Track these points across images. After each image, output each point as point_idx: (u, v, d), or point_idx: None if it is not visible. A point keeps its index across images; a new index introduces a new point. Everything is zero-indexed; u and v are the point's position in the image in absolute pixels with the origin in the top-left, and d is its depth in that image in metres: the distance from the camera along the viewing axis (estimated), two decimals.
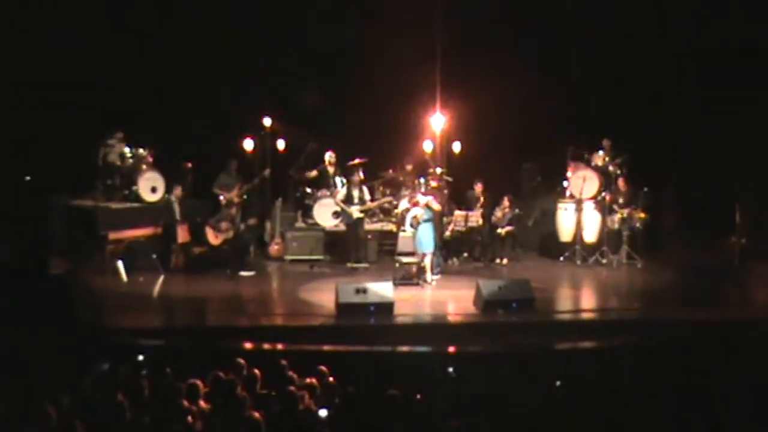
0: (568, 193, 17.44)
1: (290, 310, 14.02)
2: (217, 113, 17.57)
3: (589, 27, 17.78)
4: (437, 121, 17.43)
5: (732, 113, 17.19)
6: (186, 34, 17.37)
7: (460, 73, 17.76)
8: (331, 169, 17.57)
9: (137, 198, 16.54)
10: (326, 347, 11.28)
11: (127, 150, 16.86)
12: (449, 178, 17.15)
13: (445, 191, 16.77)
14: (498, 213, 16.97)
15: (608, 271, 16.31)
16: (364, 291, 12.94)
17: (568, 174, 17.53)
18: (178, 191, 16.27)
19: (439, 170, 17.15)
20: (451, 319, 13.54)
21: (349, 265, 16.19)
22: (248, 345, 11.28)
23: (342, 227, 16.72)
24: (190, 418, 7.34)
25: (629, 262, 16.46)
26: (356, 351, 11.18)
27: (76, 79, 16.78)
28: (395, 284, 14.04)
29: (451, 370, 9.82)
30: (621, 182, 16.89)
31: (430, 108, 17.29)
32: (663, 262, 16.60)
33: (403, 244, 15.29)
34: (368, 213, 16.88)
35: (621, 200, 16.68)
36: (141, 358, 9.80)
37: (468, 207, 16.79)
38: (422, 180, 17.48)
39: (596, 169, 17.33)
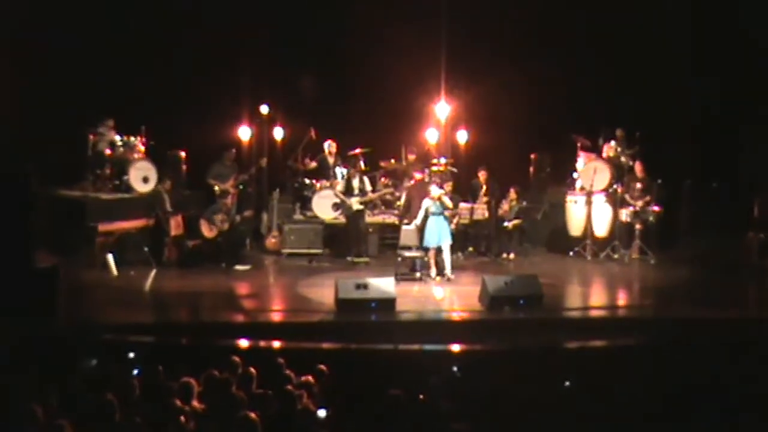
0: (578, 185, 17.42)
1: (288, 306, 14.03)
2: (212, 100, 17.56)
3: (605, 11, 17.75)
4: (442, 109, 17.44)
5: (752, 104, 17.18)
6: (180, 17, 17.36)
7: (466, 58, 17.76)
8: (330, 159, 17.57)
9: (128, 188, 16.52)
10: (325, 345, 11.27)
11: (117, 138, 16.86)
12: (454, 169, 17.15)
13: (450, 182, 16.76)
14: (505, 205, 16.95)
15: (620, 266, 16.31)
16: (365, 286, 12.94)
17: (579, 165, 17.52)
18: (167, 183, 16.26)
19: (443, 160, 17.14)
20: (455, 316, 13.53)
21: (349, 259, 16.19)
22: (244, 342, 11.27)
23: (342, 220, 16.72)
24: (182, 418, 7.34)
25: (642, 257, 16.45)
26: (356, 349, 11.17)
27: (65, 65, 16.77)
28: (397, 279, 14.04)
29: (455, 369, 9.82)
30: (638, 168, 16.82)
31: (435, 95, 17.29)
32: (677, 258, 16.59)
33: (405, 238, 15.29)
34: (369, 204, 16.87)
35: (638, 186, 16.59)
36: (132, 355, 9.81)
37: (473, 197, 16.76)
38: (426, 171, 17.49)
39: (608, 160, 17.32)
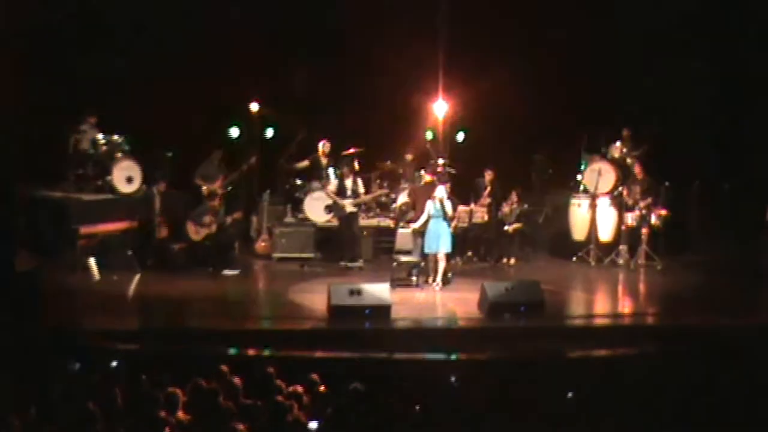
0: (581, 188, 17.44)
1: (278, 312, 14.03)
2: (201, 97, 17.54)
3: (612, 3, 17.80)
4: (440, 108, 17.43)
5: (765, 102, 17.21)
6: (168, 10, 17.35)
7: (465, 55, 17.74)
8: (323, 159, 17.54)
9: (111, 189, 16.50)
10: (317, 353, 11.28)
11: (100, 136, 16.83)
12: (452, 170, 17.14)
13: (448, 185, 16.75)
14: (505, 208, 16.95)
15: (625, 272, 16.31)
16: (359, 292, 12.93)
17: (582, 166, 17.54)
18: (162, 185, 16.22)
19: (441, 161, 17.14)
20: (453, 324, 13.53)
21: (342, 264, 16.17)
22: (232, 351, 11.27)
23: (335, 223, 16.71)
24: (167, 430, 7.34)
25: (648, 263, 16.45)
26: (350, 358, 11.18)
27: (46, 59, 16.73)
28: (393, 285, 14.04)
29: (453, 379, 9.83)
30: (638, 169, 16.86)
31: (432, 93, 17.28)
32: (686, 264, 16.61)
33: (401, 242, 15.29)
34: (363, 207, 16.86)
35: (638, 190, 16.60)
36: (115, 364, 9.80)
37: (475, 197, 16.74)
38: (422, 172, 17.49)
39: (613, 161, 17.34)
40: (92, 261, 15.01)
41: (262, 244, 17.14)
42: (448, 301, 14.29)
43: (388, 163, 18.20)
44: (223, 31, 17.66)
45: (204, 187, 16.62)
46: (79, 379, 8.97)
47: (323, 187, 16.91)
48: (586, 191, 17.26)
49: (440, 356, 11.50)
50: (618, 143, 17.55)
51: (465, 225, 16.54)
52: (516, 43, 17.80)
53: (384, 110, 18.20)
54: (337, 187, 16.47)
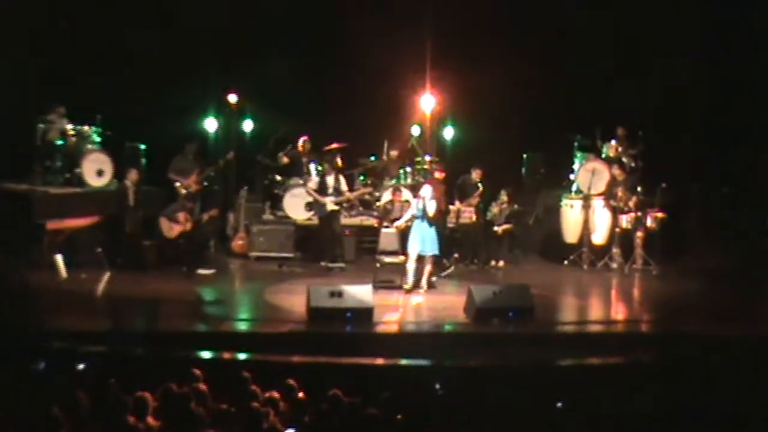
0: (574, 188, 17.47)
1: (255, 314, 14.02)
2: (175, 87, 17.50)
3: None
4: (427, 102, 17.44)
5: (766, 101, 17.30)
6: None
7: (454, 47, 17.78)
8: (304, 155, 17.54)
9: (81, 182, 16.46)
10: (295, 358, 11.26)
11: (69, 127, 16.77)
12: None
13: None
14: (495, 209, 16.98)
15: (619, 277, 16.37)
16: (340, 294, 12.92)
17: (576, 166, 17.57)
18: (133, 175, 16.15)
19: (428, 158, 17.17)
20: (438, 328, 13.54)
21: (323, 264, 16.17)
22: (206, 354, 11.25)
23: (316, 221, 16.70)
24: None
25: (643, 267, 16.51)
26: (329, 363, 11.16)
27: (13, 46, 16.66)
28: (375, 287, 14.04)
29: (438, 386, 9.82)
30: (617, 171, 16.87)
31: (419, 87, 17.28)
32: (683, 269, 16.67)
33: (385, 242, 15.28)
34: (344, 205, 16.85)
35: (622, 191, 16.62)
36: (82, 366, 9.76)
37: (461, 195, 16.73)
38: (408, 169, 17.50)
39: (608, 160, 17.37)
40: (59, 258, 14.95)
41: (239, 242, 17.12)
42: (433, 305, 14.29)
43: (372, 159, 18.19)
44: (200, 16, 17.63)
45: (178, 183, 16.57)
46: (44, 382, 8.92)
47: (304, 184, 16.89)
48: (579, 192, 17.30)
49: (424, 363, 11.49)
50: (613, 141, 17.58)
51: (452, 225, 16.56)
52: (506, 38, 17.82)
53: (368, 104, 18.20)
54: (318, 184, 16.45)
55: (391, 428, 7.91)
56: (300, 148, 17.56)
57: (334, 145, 17.29)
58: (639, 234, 16.56)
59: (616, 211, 16.73)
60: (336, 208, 16.34)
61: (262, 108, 18.48)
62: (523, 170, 19.02)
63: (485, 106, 18.00)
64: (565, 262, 16.95)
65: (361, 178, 18.18)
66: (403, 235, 14.96)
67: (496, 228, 16.93)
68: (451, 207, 16.44)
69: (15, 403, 7.88)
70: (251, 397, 8.24)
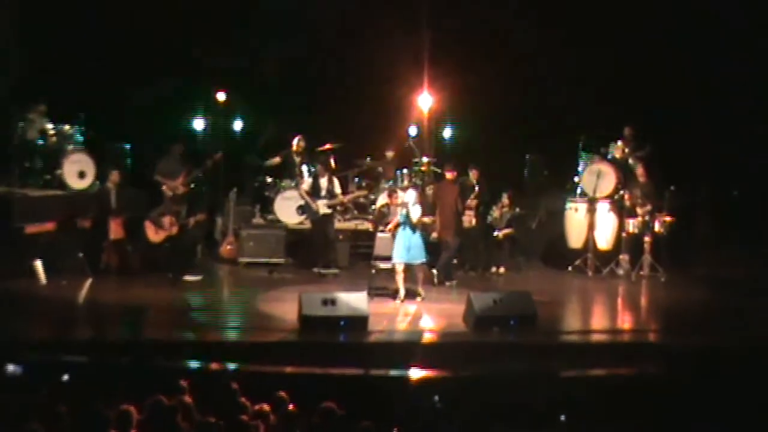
0: (579, 191, 17.49)
1: (244, 323, 14.01)
2: (162, 85, 17.51)
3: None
4: (424, 101, 17.44)
5: None
6: None
7: (453, 44, 17.79)
8: (297, 156, 17.55)
9: (61, 184, 16.46)
10: (286, 369, 11.28)
11: (50, 126, 16.78)
12: (438, 170, 17.16)
13: (433, 186, 16.79)
14: (495, 212, 16.98)
15: (625, 284, 16.37)
16: (333, 302, 12.93)
17: (580, 168, 17.60)
18: (115, 176, 16.15)
19: (425, 160, 17.17)
20: (436, 337, 13.55)
21: (315, 270, 16.18)
22: (192, 364, 11.26)
23: (308, 225, 16.71)
24: None
25: (651, 274, 16.51)
26: (322, 374, 11.18)
27: None
28: (370, 294, 14.04)
29: (436, 398, 9.83)
30: (640, 171, 16.90)
31: (416, 85, 17.29)
32: (691, 276, 16.68)
33: (380, 247, 15.28)
34: (338, 208, 16.86)
35: (639, 195, 16.65)
36: (66, 378, 9.75)
37: (461, 198, 16.70)
38: (405, 171, 17.50)
39: (613, 162, 17.40)
40: (39, 264, 14.94)
41: (228, 247, 17.11)
42: (431, 313, 14.30)
43: (368, 160, 18.21)
44: (189, 9, 17.66)
45: (164, 185, 16.57)
46: (23, 394, 8.92)
47: (296, 186, 16.90)
48: (583, 194, 17.31)
49: (422, 373, 11.50)
50: (619, 142, 17.61)
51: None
52: (507, 35, 17.85)
53: (364, 103, 18.23)
54: (311, 187, 16.46)
55: None
56: (294, 148, 17.55)
57: (328, 146, 17.30)
58: (646, 239, 16.55)
59: (623, 215, 16.73)
60: (329, 211, 16.36)
61: (252, 106, 18.47)
62: (525, 172, 19.06)
63: (485, 105, 18.02)
64: (569, 268, 16.96)
65: (356, 180, 18.19)
66: None
67: (496, 232, 16.94)
68: None
69: None
70: (240, 409, 8.25)
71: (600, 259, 16.86)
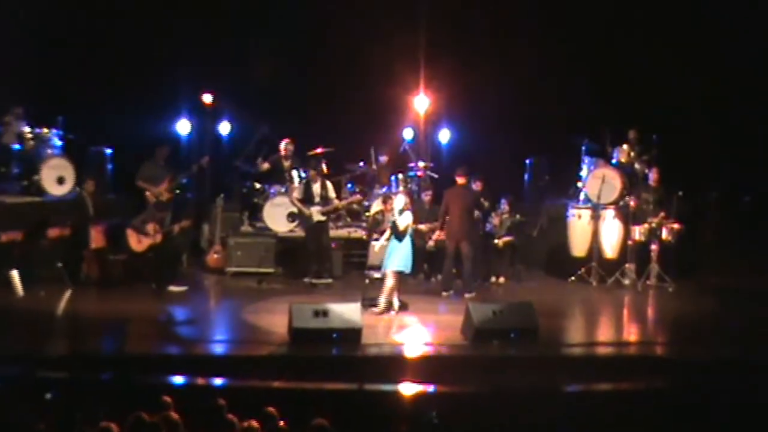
0: (582, 196, 17.50)
1: (231, 336, 14.00)
2: (145, 86, 17.52)
3: None
4: (421, 103, 17.46)
5: None
6: None
7: (450, 44, 17.80)
8: (286, 161, 17.55)
9: (39, 190, 16.44)
10: (276, 383, 11.27)
11: (27, 130, 16.77)
12: (434, 174, 17.17)
13: (429, 192, 16.79)
14: (495, 219, 16.98)
15: (631, 294, 16.37)
16: (325, 313, 12.91)
17: (583, 172, 17.61)
18: (89, 185, 16.15)
19: (422, 164, 17.17)
20: (433, 351, 13.54)
21: (307, 280, 16.17)
22: (177, 379, 11.25)
23: (299, 233, 16.71)
24: None
25: (658, 284, 16.53)
26: (313, 389, 11.18)
27: None
28: (364, 306, 14.03)
29: (433, 414, 9.83)
30: (654, 176, 16.88)
31: (412, 87, 17.31)
32: (700, 286, 16.69)
33: (374, 256, 15.28)
34: (332, 215, 16.85)
35: (651, 201, 16.64)
36: (49, 396, 9.73)
37: None
38: (399, 176, 17.49)
39: (618, 167, 17.41)
40: (15, 274, 14.92)
41: (215, 256, 17.10)
42: (427, 325, 14.29)
43: (361, 165, 18.21)
44: (172, 9, 17.67)
45: (147, 191, 16.57)
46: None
47: (286, 193, 16.89)
48: (587, 201, 17.31)
49: (418, 388, 11.50)
50: (624, 146, 17.62)
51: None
52: (506, 35, 17.88)
53: (357, 105, 18.23)
54: (302, 193, 16.45)
55: None
56: (282, 152, 17.55)
57: (319, 150, 17.30)
58: (653, 247, 16.56)
59: (628, 222, 16.73)
60: (322, 218, 16.32)
61: (240, 108, 18.47)
62: (526, 177, 19.06)
63: (484, 107, 18.04)
64: (572, 277, 16.96)
65: (349, 186, 18.18)
66: None
67: (496, 240, 16.94)
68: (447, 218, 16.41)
69: None
70: (227, 426, 8.24)
71: (604, 268, 16.86)
